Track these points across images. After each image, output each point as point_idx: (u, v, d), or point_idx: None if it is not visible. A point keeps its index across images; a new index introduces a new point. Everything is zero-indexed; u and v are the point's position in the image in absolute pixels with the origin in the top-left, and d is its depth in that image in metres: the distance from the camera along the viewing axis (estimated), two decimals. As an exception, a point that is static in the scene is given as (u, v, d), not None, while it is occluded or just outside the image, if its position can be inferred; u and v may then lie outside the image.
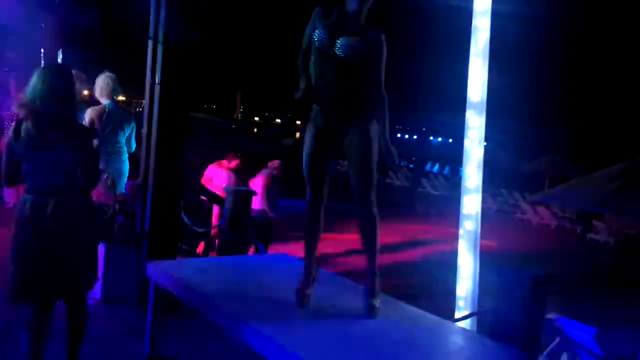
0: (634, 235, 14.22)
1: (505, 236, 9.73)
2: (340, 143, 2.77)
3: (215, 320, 2.85)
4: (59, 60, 8.83)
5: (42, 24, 8.37)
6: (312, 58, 2.76)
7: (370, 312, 2.73)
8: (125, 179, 5.11)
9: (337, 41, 2.66)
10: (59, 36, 8.72)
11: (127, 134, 5.16)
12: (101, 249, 4.38)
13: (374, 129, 2.74)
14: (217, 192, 6.21)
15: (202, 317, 3.02)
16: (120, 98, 5.31)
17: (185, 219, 5.50)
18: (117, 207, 4.60)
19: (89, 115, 5.02)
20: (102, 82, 5.07)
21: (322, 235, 2.93)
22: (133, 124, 5.21)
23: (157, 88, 4.26)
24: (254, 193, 5.76)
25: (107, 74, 5.12)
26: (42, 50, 8.66)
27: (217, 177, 6.61)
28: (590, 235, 14.23)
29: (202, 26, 4.43)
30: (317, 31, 2.72)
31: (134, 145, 5.20)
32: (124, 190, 4.86)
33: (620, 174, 5.15)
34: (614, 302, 6.73)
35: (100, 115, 4.98)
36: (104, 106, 5.04)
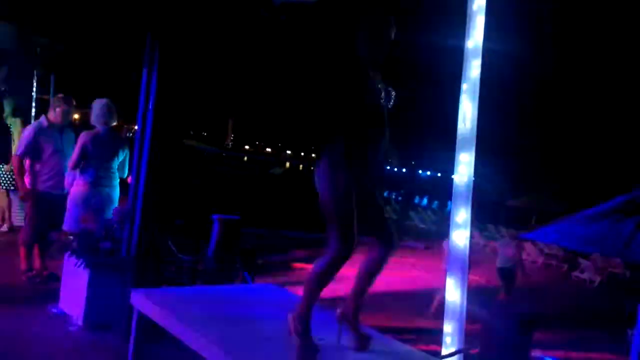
0: (619, 274, 14.28)
1: (492, 271, 9.76)
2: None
3: (200, 351, 2.81)
4: (51, 84, 8.87)
5: (38, 48, 8.41)
6: (354, 107, 2.68)
7: (364, 343, 2.72)
8: (114, 204, 5.09)
9: (390, 93, 2.75)
10: (52, 60, 8.76)
11: (120, 159, 5.16)
12: (85, 274, 4.33)
13: None
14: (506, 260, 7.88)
15: (186, 347, 2.97)
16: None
17: (172, 247, 5.46)
18: (103, 232, 4.56)
19: (81, 139, 5.03)
20: (97, 108, 5.10)
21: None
22: (127, 150, 5.22)
23: (149, 114, 4.27)
24: (241, 223, 5.75)
25: (103, 100, 5.14)
26: (35, 72, 8.69)
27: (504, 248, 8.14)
28: (576, 273, 14.27)
29: (197, 55, 4.47)
30: (368, 86, 2.70)
31: (127, 171, 5.21)
32: (111, 216, 4.83)
33: (607, 213, 5.21)
34: (596, 341, 6.73)
35: (92, 140, 4.99)
36: (97, 131, 5.06)
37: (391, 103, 2.79)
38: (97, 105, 5.11)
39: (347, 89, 2.67)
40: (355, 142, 2.65)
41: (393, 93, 2.80)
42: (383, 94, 2.76)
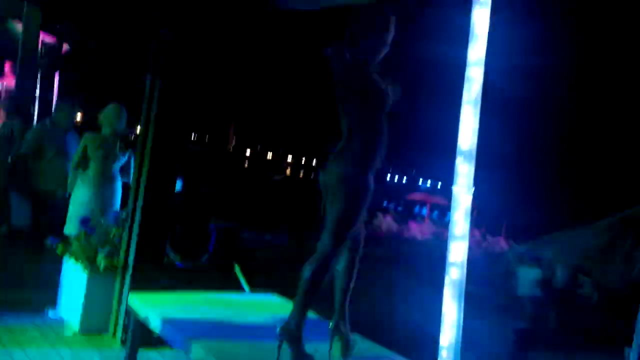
0: (619, 290, 14.23)
1: (490, 284, 9.75)
2: None
3: (196, 359, 2.80)
4: (56, 82, 8.89)
5: (44, 47, 8.44)
6: (370, 113, 2.74)
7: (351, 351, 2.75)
8: (115, 207, 5.10)
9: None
10: (58, 59, 8.79)
11: (120, 162, 5.18)
12: (83, 278, 4.32)
13: None
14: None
15: (183, 353, 2.97)
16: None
17: (170, 253, 5.46)
18: (102, 236, 4.55)
19: (83, 140, 5.08)
20: (106, 110, 5.16)
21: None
22: (129, 154, 5.23)
23: (152, 118, 4.28)
24: (239, 228, 5.77)
25: (114, 104, 5.20)
26: (39, 71, 8.71)
27: None
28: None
29: (200, 61, 4.48)
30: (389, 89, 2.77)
31: (132, 176, 5.22)
32: (111, 219, 4.82)
33: (606, 230, 5.21)
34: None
35: (94, 142, 5.04)
36: (100, 133, 5.10)
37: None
38: (108, 107, 5.17)
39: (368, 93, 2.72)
40: (373, 146, 2.71)
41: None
42: (390, 95, 2.80)
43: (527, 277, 7.79)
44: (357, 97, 2.71)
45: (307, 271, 2.61)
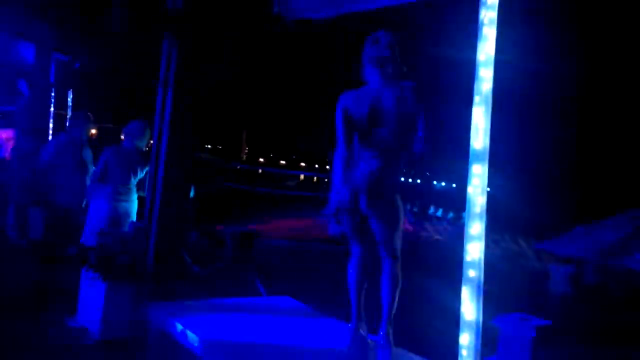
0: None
1: (508, 282, 9.66)
2: None
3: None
4: (69, 100, 9.01)
5: (54, 64, 8.55)
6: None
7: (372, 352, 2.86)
8: (131, 219, 5.15)
9: None
10: (70, 76, 8.90)
11: (139, 176, 5.24)
12: (102, 288, 4.36)
13: None
14: None
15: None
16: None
17: (187, 260, 5.50)
18: (119, 246, 4.60)
19: (104, 153, 5.16)
20: (131, 125, 5.22)
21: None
22: (147, 168, 5.29)
23: (165, 129, 4.33)
24: (256, 235, 5.78)
25: (140, 120, 5.25)
26: (53, 89, 8.83)
27: None
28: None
29: (212, 70, 4.54)
30: None
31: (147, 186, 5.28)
32: (128, 230, 4.87)
33: (628, 223, 5.16)
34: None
35: (115, 155, 5.11)
36: (121, 147, 5.18)
37: None
38: (133, 123, 5.23)
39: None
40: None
41: None
42: None
43: (560, 273, 7.74)
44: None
45: (391, 282, 3.01)
